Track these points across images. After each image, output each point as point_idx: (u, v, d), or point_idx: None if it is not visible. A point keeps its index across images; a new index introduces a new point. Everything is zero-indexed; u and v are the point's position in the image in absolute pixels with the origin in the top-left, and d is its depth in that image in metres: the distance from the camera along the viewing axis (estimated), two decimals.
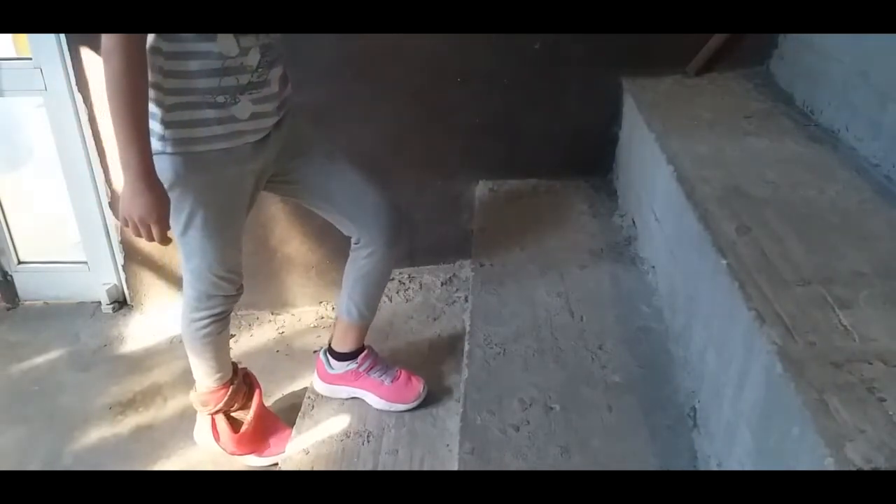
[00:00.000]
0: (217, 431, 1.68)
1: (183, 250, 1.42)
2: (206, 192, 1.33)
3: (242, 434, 1.67)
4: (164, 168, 1.26)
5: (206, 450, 1.74)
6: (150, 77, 1.19)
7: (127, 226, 1.26)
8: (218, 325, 1.53)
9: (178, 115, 1.25)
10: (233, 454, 1.70)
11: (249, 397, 1.71)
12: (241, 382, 1.68)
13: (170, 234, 1.30)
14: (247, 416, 1.69)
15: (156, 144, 1.25)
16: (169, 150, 1.26)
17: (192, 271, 1.44)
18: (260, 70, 1.28)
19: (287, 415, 1.86)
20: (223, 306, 1.51)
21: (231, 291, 1.50)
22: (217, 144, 1.29)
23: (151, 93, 1.21)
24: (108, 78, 1.14)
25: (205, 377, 1.61)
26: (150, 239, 1.27)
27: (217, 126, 1.27)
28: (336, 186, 1.48)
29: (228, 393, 1.64)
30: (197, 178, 1.30)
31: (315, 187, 1.49)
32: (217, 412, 1.65)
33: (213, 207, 1.35)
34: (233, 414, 1.69)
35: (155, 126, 1.24)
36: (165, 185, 1.26)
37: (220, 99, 1.25)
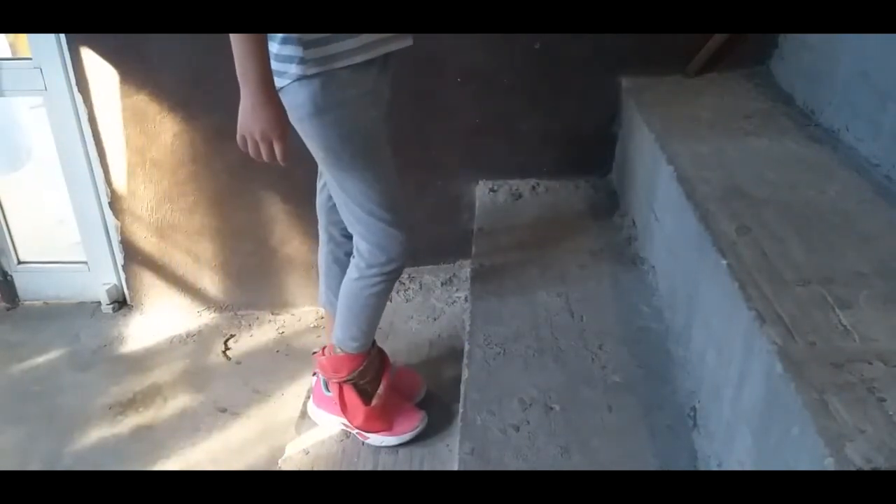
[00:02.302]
0: (345, 402, 1.61)
1: (342, 196, 1.38)
2: (351, 112, 1.28)
3: (373, 407, 1.60)
4: (302, 94, 1.23)
5: (320, 422, 1.70)
6: None
7: (245, 146, 1.22)
8: (387, 285, 1.47)
9: (316, 35, 1.21)
10: (358, 428, 1.63)
11: (379, 375, 1.63)
12: (376, 356, 1.62)
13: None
14: (377, 391, 1.61)
15: (294, 69, 1.21)
16: (309, 72, 1.21)
17: (360, 221, 1.39)
18: None
19: (286, 415, 1.87)
20: (396, 262, 1.44)
21: (402, 240, 1.41)
22: (356, 58, 1.24)
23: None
24: None
25: (349, 340, 1.54)
26: (271, 157, 1.22)
27: (353, 40, 1.23)
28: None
29: (365, 362, 1.57)
30: (341, 96, 1.25)
31: None
32: (348, 381, 1.59)
33: (360, 129, 1.30)
34: (362, 387, 1.61)
35: (292, 50, 1.21)
36: (306, 115, 1.23)
37: None
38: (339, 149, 1.31)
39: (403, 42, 1.33)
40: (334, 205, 1.47)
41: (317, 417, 1.71)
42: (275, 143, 1.20)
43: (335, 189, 1.39)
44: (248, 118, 1.19)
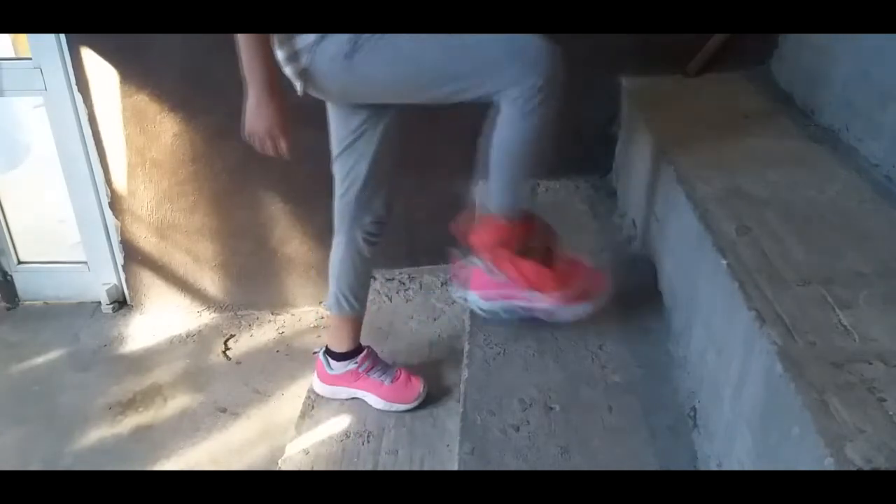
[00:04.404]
0: (526, 275, 1.38)
1: (454, 93, 1.35)
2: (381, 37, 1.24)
3: (557, 269, 1.39)
4: (332, 48, 1.23)
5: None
6: None
7: (251, 141, 1.29)
8: (548, 106, 1.35)
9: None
10: (554, 290, 1.38)
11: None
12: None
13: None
14: (553, 251, 1.43)
15: (312, 37, 1.23)
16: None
17: (489, 77, 1.32)
18: None
19: (286, 415, 1.87)
20: (549, 71, 1.29)
21: (540, 45, 1.28)
22: None
23: None
24: None
25: (520, 201, 1.41)
26: (276, 151, 1.30)
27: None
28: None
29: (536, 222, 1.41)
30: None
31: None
32: (522, 253, 1.38)
33: (400, 38, 1.25)
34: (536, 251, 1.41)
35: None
36: (345, 57, 1.23)
37: None
38: (404, 59, 1.27)
39: None
40: (366, 200, 1.49)
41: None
42: (279, 139, 1.28)
43: (453, 98, 1.34)
44: (254, 115, 1.26)
